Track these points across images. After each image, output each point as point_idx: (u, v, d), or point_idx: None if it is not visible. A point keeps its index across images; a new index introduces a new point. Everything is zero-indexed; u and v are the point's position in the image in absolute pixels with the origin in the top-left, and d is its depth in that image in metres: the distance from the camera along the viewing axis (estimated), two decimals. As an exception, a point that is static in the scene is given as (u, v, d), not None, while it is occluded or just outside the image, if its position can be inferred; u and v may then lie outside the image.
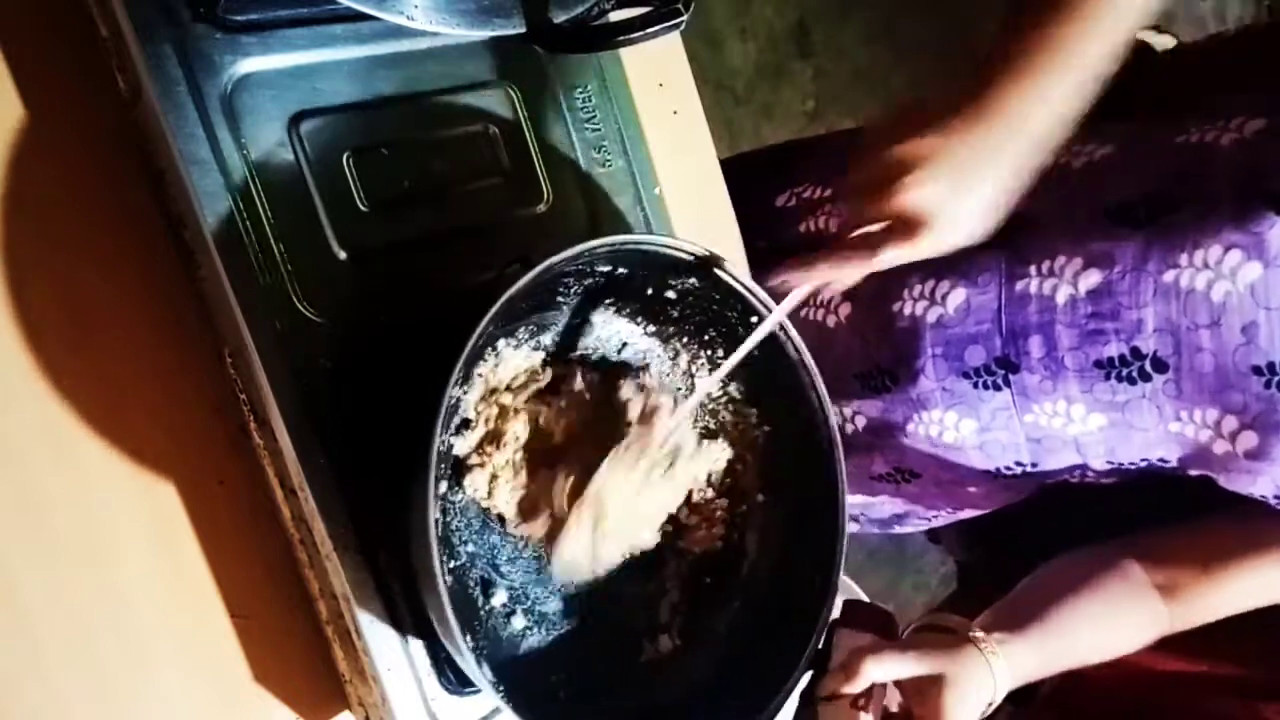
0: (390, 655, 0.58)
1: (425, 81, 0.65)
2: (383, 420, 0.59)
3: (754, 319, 0.67)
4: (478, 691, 0.62)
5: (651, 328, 0.72)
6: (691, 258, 0.64)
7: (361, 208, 0.61)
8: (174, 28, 0.55)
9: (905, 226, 0.59)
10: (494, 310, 0.54)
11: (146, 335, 0.58)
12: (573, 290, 0.67)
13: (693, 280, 0.67)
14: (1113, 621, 0.74)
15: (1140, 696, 0.82)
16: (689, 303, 0.69)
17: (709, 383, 0.70)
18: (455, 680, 0.61)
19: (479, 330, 0.54)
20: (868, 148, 0.60)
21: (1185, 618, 0.74)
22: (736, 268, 0.66)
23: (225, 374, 0.58)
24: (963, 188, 0.58)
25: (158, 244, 0.58)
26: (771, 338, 0.68)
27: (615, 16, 0.67)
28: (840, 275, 0.64)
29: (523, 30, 0.63)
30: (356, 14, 0.56)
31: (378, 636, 0.58)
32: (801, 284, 0.64)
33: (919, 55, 2.39)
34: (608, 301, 0.69)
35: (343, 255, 0.60)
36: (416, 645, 0.59)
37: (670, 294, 0.69)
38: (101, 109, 0.56)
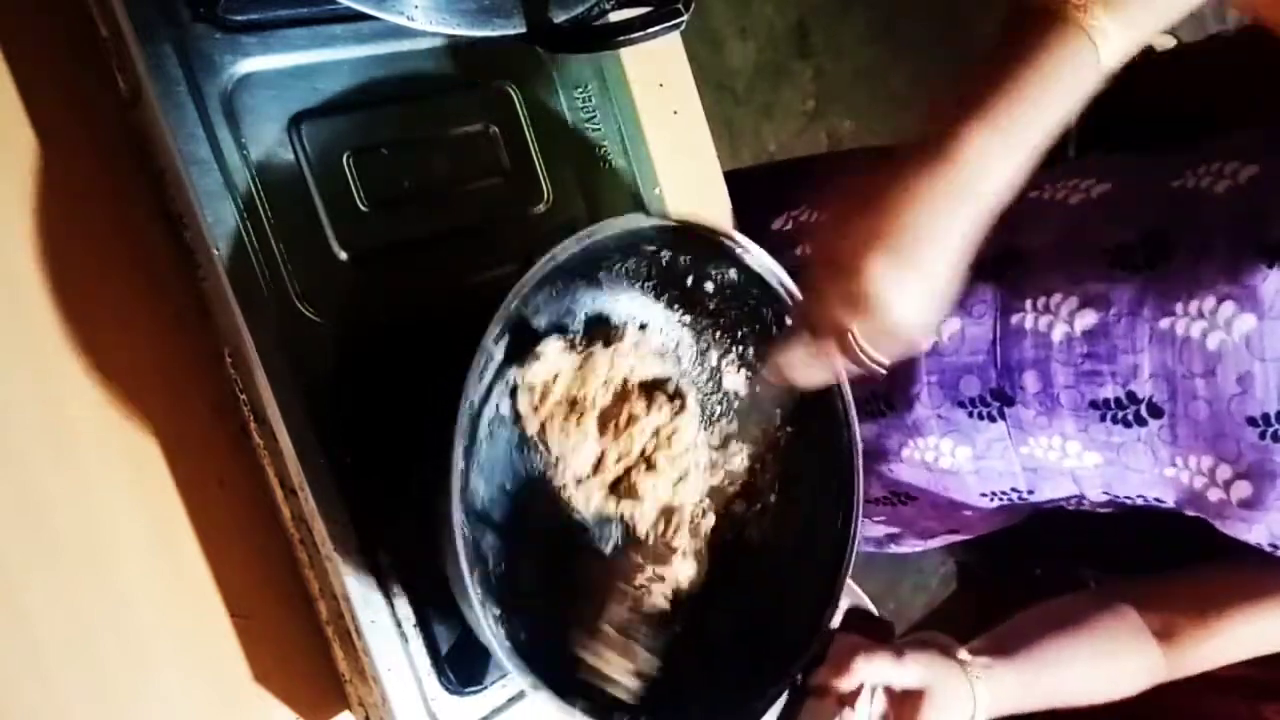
0: (390, 655, 0.58)
1: (425, 81, 0.65)
2: (383, 420, 0.59)
3: (789, 320, 0.68)
4: (478, 691, 0.62)
5: (687, 317, 0.72)
6: (735, 247, 0.65)
7: (361, 208, 0.61)
8: (174, 28, 0.55)
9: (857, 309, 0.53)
10: (535, 269, 0.54)
11: (146, 335, 0.57)
12: (615, 269, 0.67)
13: (733, 273, 0.67)
14: (1107, 662, 0.73)
15: (1141, 697, 0.82)
16: (726, 296, 0.70)
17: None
18: (455, 680, 0.61)
19: (517, 287, 0.54)
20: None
21: (1181, 665, 0.74)
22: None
23: (225, 374, 0.58)
24: (910, 267, 0.51)
25: (158, 244, 0.58)
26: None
27: (615, 16, 0.67)
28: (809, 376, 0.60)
29: (523, 30, 0.63)
30: (356, 14, 0.56)
31: (378, 636, 0.58)
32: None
33: (919, 55, 2.39)
34: (648, 284, 0.70)
35: (343, 255, 0.61)
36: (417, 645, 0.59)
37: (709, 285, 0.69)
38: (101, 109, 0.56)
